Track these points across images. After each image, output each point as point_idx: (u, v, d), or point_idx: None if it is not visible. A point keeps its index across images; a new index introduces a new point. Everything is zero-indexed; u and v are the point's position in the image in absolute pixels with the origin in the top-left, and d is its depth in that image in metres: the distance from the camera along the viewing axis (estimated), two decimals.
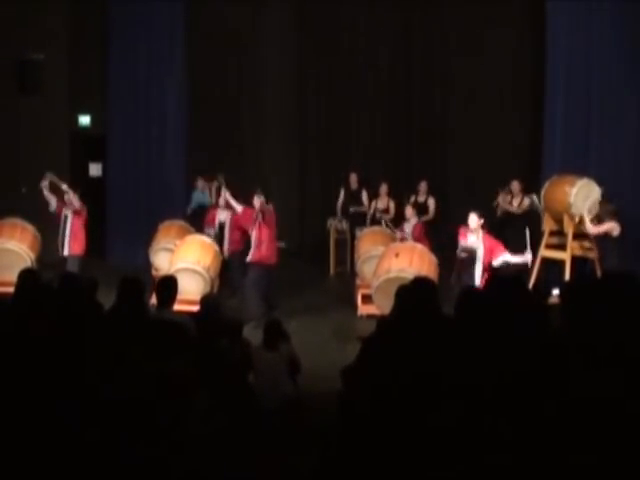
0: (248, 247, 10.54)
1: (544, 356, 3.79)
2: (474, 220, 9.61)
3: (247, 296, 10.20)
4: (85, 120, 15.18)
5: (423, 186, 13.29)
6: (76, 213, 10.98)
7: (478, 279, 9.37)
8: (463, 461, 3.43)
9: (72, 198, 11.02)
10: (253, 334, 8.03)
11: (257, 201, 10.37)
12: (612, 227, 10.40)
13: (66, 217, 11.02)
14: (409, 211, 12.17)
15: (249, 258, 10.35)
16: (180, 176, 14.12)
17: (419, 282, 4.96)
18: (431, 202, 13.23)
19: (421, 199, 13.22)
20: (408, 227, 12.03)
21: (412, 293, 4.80)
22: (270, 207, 10.54)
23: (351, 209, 13.84)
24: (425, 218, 12.79)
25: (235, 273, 11.40)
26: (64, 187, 11.11)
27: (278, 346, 7.03)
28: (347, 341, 8.95)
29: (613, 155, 12.32)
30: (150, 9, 14.07)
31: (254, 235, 10.33)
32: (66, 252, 10.91)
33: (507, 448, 3.38)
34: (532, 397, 3.53)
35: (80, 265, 10.66)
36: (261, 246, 10.24)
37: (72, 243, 10.89)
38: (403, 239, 11.58)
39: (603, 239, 10.48)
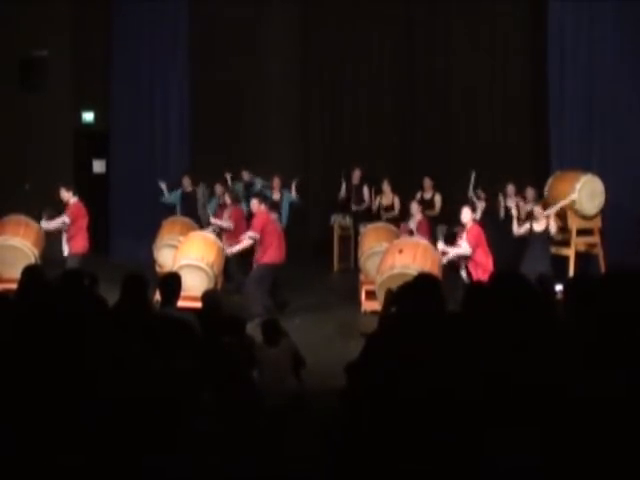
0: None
1: (549, 353, 3.79)
2: (467, 214, 9.81)
3: (249, 294, 10.18)
4: (89, 117, 15.20)
5: (428, 182, 13.25)
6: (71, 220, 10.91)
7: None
8: (466, 457, 3.43)
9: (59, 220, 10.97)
10: (256, 331, 8.02)
11: (254, 206, 10.38)
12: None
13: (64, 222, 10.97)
14: (414, 207, 12.15)
15: (256, 259, 10.33)
16: (183, 173, 14.12)
17: (423, 278, 4.95)
18: (437, 198, 13.21)
19: (427, 196, 13.21)
20: (412, 223, 12.02)
21: (415, 289, 4.79)
22: (264, 210, 10.57)
23: (353, 208, 13.82)
24: (431, 213, 12.78)
25: (235, 269, 11.42)
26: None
27: (279, 342, 7.03)
28: (351, 337, 8.93)
29: (617, 154, 12.29)
30: (154, 6, 14.07)
31: (259, 238, 10.28)
32: (66, 252, 10.87)
33: (509, 447, 3.38)
34: (538, 395, 3.53)
35: (80, 263, 10.57)
36: (268, 248, 10.21)
37: (72, 243, 10.85)
38: (411, 232, 11.57)
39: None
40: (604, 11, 12.22)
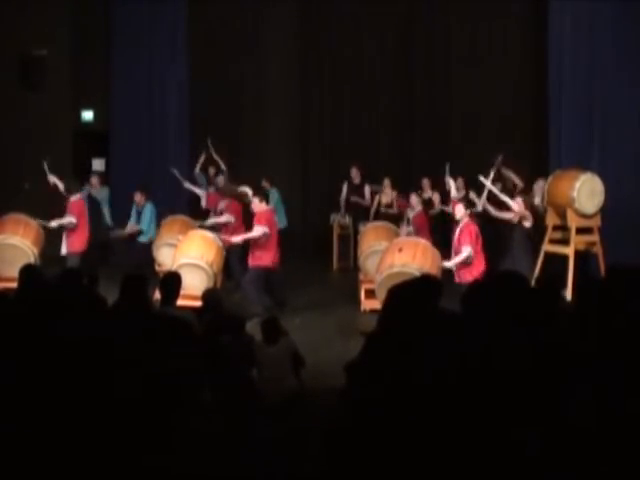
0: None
1: (549, 354, 3.78)
2: (460, 210, 9.62)
3: (247, 295, 10.17)
4: (88, 115, 15.22)
5: (426, 183, 13.34)
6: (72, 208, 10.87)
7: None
8: (467, 457, 3.43)
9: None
10: (256, 330, 8.02)
11: (255, 204, 10.33)
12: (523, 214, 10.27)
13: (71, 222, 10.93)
14: (413, 200, 12.07)
15: (251, 260, 10.26)
16: (182, 172, 14.11)
17: (425, 280, 4.95)
18: (436, 197, 13.30)
19: (426, 195, 13.26)
20: (411, 213, 12.01)
21: (417, 290, 4.79)
22: (268, 208, 10.54)
23: (352, 198, 13.85)
24: (430, 212, 12.81)
25: (236, 267, 11.41)
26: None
27: (278, 340, 7.04)
28: (350, 336, 8.93)
29: (617, 154, 12.28)
30: (153, 5, 14.07)
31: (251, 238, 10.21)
32: (64, 250, 10.83)
33: (510, 447, 3.38)
34: (536, 395, 3.53)
35: (80, 262, 10.54)
36: (265, 250, 10.15)
37: (70, 240, 10.82)
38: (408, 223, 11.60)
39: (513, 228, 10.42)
40: (604, 11, 12.21)
